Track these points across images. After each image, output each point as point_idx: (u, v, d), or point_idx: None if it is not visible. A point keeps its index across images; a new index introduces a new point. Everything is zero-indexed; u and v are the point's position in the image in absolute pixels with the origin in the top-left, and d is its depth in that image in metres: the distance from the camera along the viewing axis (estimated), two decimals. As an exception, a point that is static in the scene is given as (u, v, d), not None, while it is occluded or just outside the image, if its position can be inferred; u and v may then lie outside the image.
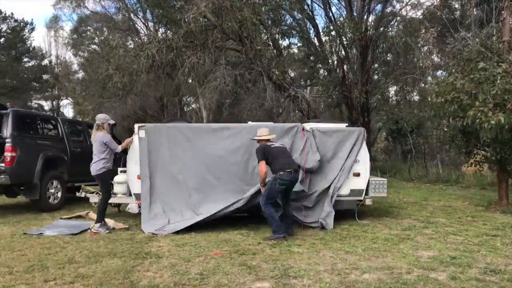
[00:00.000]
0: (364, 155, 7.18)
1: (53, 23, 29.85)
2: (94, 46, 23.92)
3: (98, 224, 6.42)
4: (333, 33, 15.80)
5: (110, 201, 7.68)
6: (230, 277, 4.15)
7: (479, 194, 11.37)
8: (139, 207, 7.08)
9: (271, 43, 16.03)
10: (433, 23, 19.21)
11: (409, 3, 18.38)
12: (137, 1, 19.69)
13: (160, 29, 17.88)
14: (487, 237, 6.03)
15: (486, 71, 7.90)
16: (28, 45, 31.53)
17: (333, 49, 17.26)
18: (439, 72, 18.51)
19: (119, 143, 9.67)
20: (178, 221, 6.52)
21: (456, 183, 13.94)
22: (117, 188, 7.70)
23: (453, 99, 8.00)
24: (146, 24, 21.53)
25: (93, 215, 7.04)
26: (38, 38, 52.17)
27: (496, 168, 9.27)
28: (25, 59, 32.18)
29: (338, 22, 16.37)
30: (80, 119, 20.97)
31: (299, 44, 20.67)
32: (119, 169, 7.82)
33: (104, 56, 16.51)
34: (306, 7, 17.06)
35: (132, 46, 18.12)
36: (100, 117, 6.67)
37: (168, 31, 15.28)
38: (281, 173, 5.87)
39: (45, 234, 6.18)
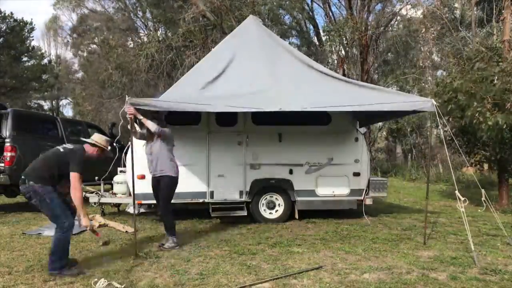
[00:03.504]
0: (364, 155, 7.18)
1: (53, 22, 29.89)
2: (93, 46, 23.90)
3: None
4: (333, 32, 15.79)
5: (110, 201, 7.69)
6: (230, 277, 4.14)
7: (479, 194, 11.32)
8: (140, 207, 7.07)
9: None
10: (433, 22, 19.20)
11: (409, 2, 18.40)
12: (137, 0, 19.67)
13: (160, 29, 17.89)
14: (487, 237, 6.03)
15: (484, 70, 7.88)
16: (28, 45, 31.48)
17: (333, 49, 17.26)
18: (439, 72, 18.53)
19: (120, 143, 9.65)
20: None
21: (457, 183, 13.91)
22: (117, 188, 7.70)
23: (451, 99, 7.99)
24: (146, 23, 21.52)
25: (100, 218, 6.98)
26: (38, 38, 52.14)
27: (496, 168, 9.27)
28: (25, 59, 32.13)
29: (338, 22, 16.37)
30: (80, 119, 20.95)
31: (299, 44, 20.69)
32: (119, 169, 7.81)
33: (104, 56, 16.52)
34: (306, 6, 17.08)
35: (131, 45, 18.11)
36: None
37: (168, 31, 15.29)
38: None
39: (44, 234, 6.15)
